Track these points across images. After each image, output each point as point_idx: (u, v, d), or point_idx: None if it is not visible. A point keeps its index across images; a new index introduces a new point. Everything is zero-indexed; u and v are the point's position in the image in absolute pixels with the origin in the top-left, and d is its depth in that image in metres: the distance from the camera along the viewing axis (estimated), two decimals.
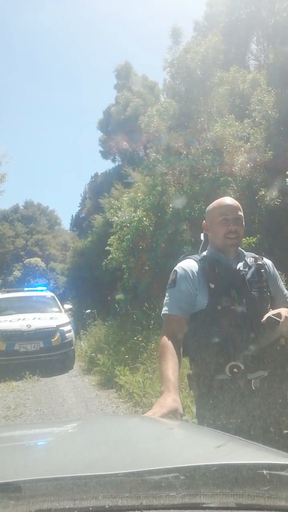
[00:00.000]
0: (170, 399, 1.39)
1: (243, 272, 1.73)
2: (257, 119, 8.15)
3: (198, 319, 1.69)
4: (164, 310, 1.71)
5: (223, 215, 1.72)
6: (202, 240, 1.87)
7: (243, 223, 1.76)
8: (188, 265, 1.75)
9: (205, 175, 8.22)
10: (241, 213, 1.75)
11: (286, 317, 1.55)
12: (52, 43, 61.40)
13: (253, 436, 1.53)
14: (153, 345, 6.27)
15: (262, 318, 1.60)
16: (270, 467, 0.79)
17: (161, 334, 1.67)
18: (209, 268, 1.71)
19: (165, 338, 1.63)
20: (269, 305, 1.68)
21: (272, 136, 7.96)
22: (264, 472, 0.77)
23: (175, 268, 1.78)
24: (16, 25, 57.99)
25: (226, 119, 8.16)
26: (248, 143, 7.91)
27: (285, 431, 1.61)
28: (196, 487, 0.75)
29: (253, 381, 1.61)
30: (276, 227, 7.39)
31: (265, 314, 1.61)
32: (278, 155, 7.57)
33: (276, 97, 8.17)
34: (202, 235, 1.86)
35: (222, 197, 1.85)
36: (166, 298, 1.74)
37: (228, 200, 1.78)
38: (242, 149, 7.87)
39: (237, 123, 8.13)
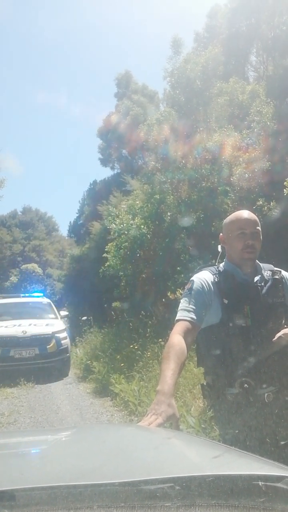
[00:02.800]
0: (165, 405, 1.33)
1: (259, 286, 1.72)
2: (256, 129, 8.22)
3: (211, 333, 1.70)
4: (178, 316, 1.68)
5: (241, 229, 1.72)
6: (219, 252, 1.88)
7: (261, 237, 1.76)
8: (204, 276, 1.75)
9: (204, 184, 8.26)
10: (259, 228, 1.74)
11: None
12: (53, 50, 61.95)
13: (261, 447, 1.54)
14: (149, 353, 6.25)
15: (275, 335, 1.61)
16: (266, 478, 0.79)
17: (171, 335, 1.62)
18: (224, 283, 1.71)
19: (173, 339, 1.58)
20: (283, 321, 1.66)
21: (270, 147, 8.02)
22: (260, 483, 0.77)
23: (192, 278, 1.77)
24: (17, 33, 58.48)
25: (225, 129, 8.23)
26: (247, 153, 7.97)
27: (282, 442, 1.61)
28: (191, 498, 0.75)
29: (266, 394, 1.62)
30: (274, 237, 7.41)
31: (278, 330, 1.62)
32: (276, 165, 7.62)
33: (274, 109, 8.26)
34: (219, 246, 1.87)
35: (239, 210, 1.84)
36: (180, 305, 1.72)
37: (246, 214, 1.77)
38: (241, 159, 7.92)
39: (236, 133, 8.20)
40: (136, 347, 6.80)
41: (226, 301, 1.67)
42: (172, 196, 8.63)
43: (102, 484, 0.77)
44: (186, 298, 1.70)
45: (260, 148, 7.89)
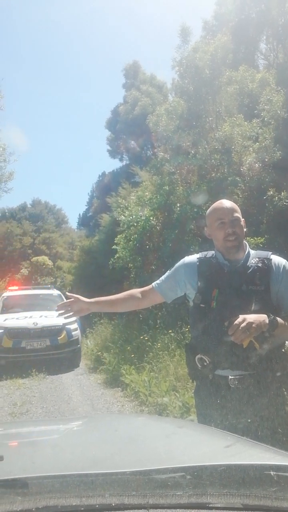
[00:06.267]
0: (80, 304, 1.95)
1: (235, 272, 1.74)
2: (266, 118, 8.11)
3: (191, 312, 1.85)
4: (155, 282, 1.96)
5: (219, 219, 1.77)
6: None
7: (241, 223, 1.78)
8: (191, 259, 1.89)
9: (213, 174, 8.19)
10: (237, 214, 1.78)
11: (236, 324, 1.53)
12: (60, 41, 61.45)
13: (273, 437, 1.55)
14: (159, 344, 6.27)
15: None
16: (277, 468, 0.79)
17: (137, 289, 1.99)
18: (198, 266, 1.83)
19: (136, 290, 1.98)
20: (252, 306, 1.64)
21: (281, 136, 7.91)
22: (272, 473, 0.77)
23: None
24: (24, 24, 58.20)
25: (234, 119, 8.13)
26: (257, 143, 7.87)
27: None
28: (202, 487, 0.75)
29: (230, 378, 1.65)
30: (284, 227, 7.35)
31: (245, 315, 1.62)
32: (287, 155, 7.52)
33: (285, 97, 8.12)
34: None
35: (219, 200, 1.88)
36: (163, 275, 1.96)
37: (223, 203, 1.82)
38: (251, 149, 7.84)
39: (245, 122, 8.09)
40: (146, 338, 6.82)
41: (199, 283, 1.79)
42: (181, 187, 8.57)
43: (113, 473, 0.77)
44: (167, 272, 1.95)
45: (270, 137, 7.78)
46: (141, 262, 8.80)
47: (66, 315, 1.98)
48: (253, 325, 1.52)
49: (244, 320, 1.53)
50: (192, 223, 8.03)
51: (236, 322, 1.53)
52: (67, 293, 2.08)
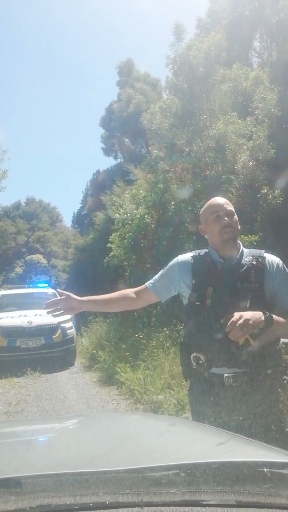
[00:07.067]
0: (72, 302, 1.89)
1: (229, 270, 1.75)
2: (259, 116, 8.12)
3: (185, 310, 1.84)
4: (148, 282, 1.94)
5: (215, 212, 1.80)
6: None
7: (235, 216, 1.82)
8: (184, 257, 1.89)
9: (207, 172, 8.20)
10: (231, 208, 1.82)
11: (232, 321, 1.53)
12: (53, 39, 61.28)
13: (266, 434, 1.56)
14: (154, 342, 6.28)
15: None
16: (271, 465, 0.79)
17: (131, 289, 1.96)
18: (192, 265, 1.83)
19: (130, 289, 1.94)
20: (248, 304, 1.64)
21: (274, 134, 7.94)
22: (265, 470, 0.77)
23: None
24: (18, 22, 57.85)
25: (228, 117, 8.13)
26: (251, 141, 7.89)
27: (287, 429, 1.62)
28: (196, 484, 0.75)
29: (225, 376, 1.65)
30: (278, 225, 7.38)
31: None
32: (281, 153, 7.55)
33: (279, 95, 8.14)
34: None
35: (214, 197, 1.91)
36: (156, 275, 1.95)
37: (216, 199, 1.86)
38: (245, 147, 7.85)
39: (239, 120, 8.10)
40: (141, 336, 6.83)
41: (194, 281, 1.79)
42: (175, 185, 8.58)
43: (107, 471, 0.77)
44: (161, 271, 1.94)
45: (264, 136, 7.80)
46: (135, 260, 8.80)
47: (55, 313, 1.91)
48: (250, 322, 1.53)
49: (240, 317, 1.53)
50: (186, 221, 8.03)
51: (233, 319, 1.53)
52: (58, 290, 2.05)
